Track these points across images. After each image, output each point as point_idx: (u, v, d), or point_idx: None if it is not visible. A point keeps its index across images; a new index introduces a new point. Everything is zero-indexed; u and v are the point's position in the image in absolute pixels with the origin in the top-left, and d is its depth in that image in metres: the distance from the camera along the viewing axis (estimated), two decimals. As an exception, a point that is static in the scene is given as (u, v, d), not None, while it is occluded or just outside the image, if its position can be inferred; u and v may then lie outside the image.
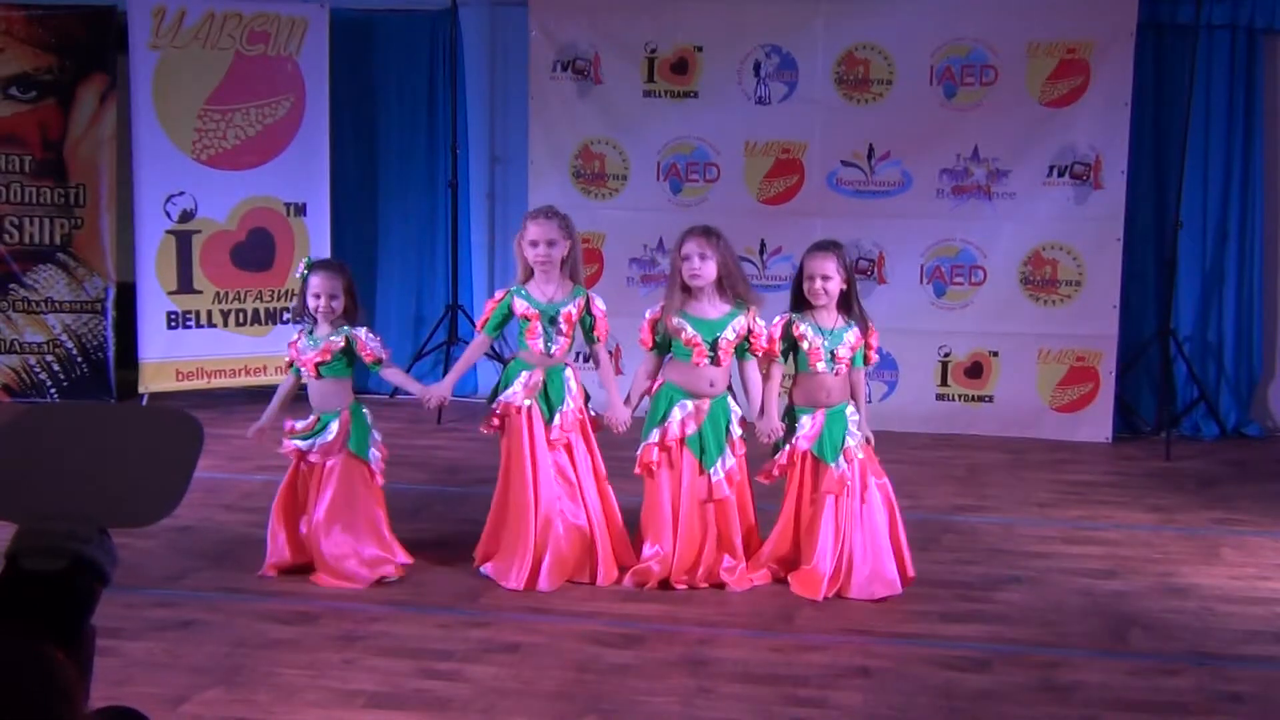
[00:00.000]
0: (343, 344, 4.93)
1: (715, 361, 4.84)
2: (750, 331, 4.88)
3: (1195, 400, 7.68)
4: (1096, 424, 7.58)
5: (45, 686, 1.30)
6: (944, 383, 7.75)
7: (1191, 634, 4.52)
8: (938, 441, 7.47)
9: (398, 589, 4.88)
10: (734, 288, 4.86)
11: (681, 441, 4.82)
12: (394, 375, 5.16)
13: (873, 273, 7.72)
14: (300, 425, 4.96)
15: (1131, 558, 5.38)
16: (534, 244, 4.89)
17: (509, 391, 4.91)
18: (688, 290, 4.84)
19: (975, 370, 7.72)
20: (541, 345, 4.92)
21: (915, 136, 7.61)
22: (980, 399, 7.73)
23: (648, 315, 4.94)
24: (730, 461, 4.84)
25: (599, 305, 4.99)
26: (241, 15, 7.84)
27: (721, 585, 4.89)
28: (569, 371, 4.97)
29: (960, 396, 7.74)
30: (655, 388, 4.95)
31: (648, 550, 4.91)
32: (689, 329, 4.82)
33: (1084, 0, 7.43)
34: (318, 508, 4.89)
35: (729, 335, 4.83)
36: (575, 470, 4.93)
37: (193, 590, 4.85)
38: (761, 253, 7.81)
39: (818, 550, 4.80)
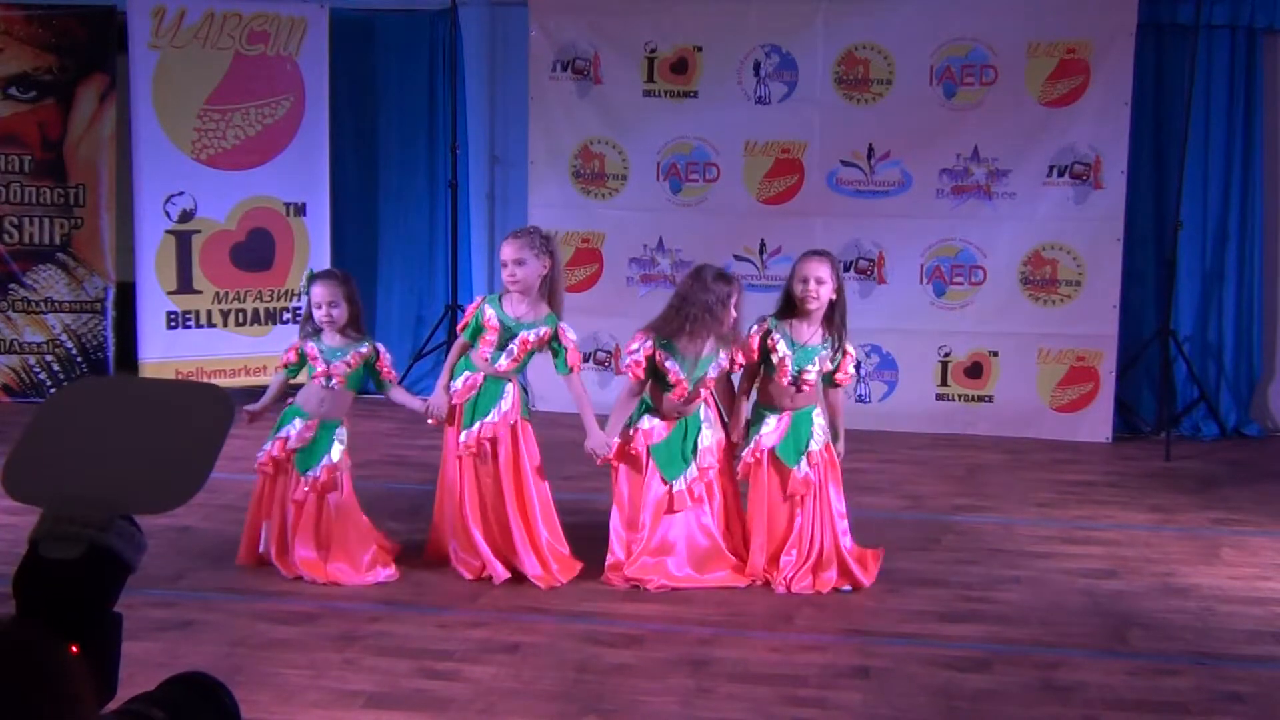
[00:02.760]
0: (367, 354, 4.98)
1: (691, 401, 4.89)
2: (732, 363, 4.93)
3: (1195, 400, 7.68)
4: (1096, 424, 7.58)
5: (46, 688, 1.29)
6: (944, 383, 7.74)
7: (1191, 634, 4.52)
8: (938, 441, 7.47)
9: (398, 589, 4.88)
10: (731, 333, 4.91)
11: (648, 450, 4.85)
12: (400, 395, 5.17)
13: (873, 273, 7.71)
14: (294, 438, 4.93)
15: (1131, 558, 5.38)
16: (504, 264, 4.91)
17: (453, 385, 4.97)
18: (693, 329, 4.80)
19: (975, 370, 7.72)
20: (488, 357, 4.92)
21: (915, 136, 7.60)
22: (980, 399, 7.72)
23: (642, 351, 4.84)
24: (694, 474, 4.85)
25: (570, 336, 4.93)
26: (241, 15, 7.84)
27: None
28: (510, 386, 4.93)
29: (960, 396, 7.74)
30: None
31: (611, 557, 4.93)
32: (677, 370, 4.83)
33: (1084, 0, 7.43)
34: (328, 513, 4.92)
35: (711, 374, 4.88)
36: (499, 478, 4.91)
37: (193, 590, 4.85)
38: (761, 253, 7.81)
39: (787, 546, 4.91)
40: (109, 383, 2.34)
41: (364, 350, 4.99)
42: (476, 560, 4.95)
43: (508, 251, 4.89)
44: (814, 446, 4.86)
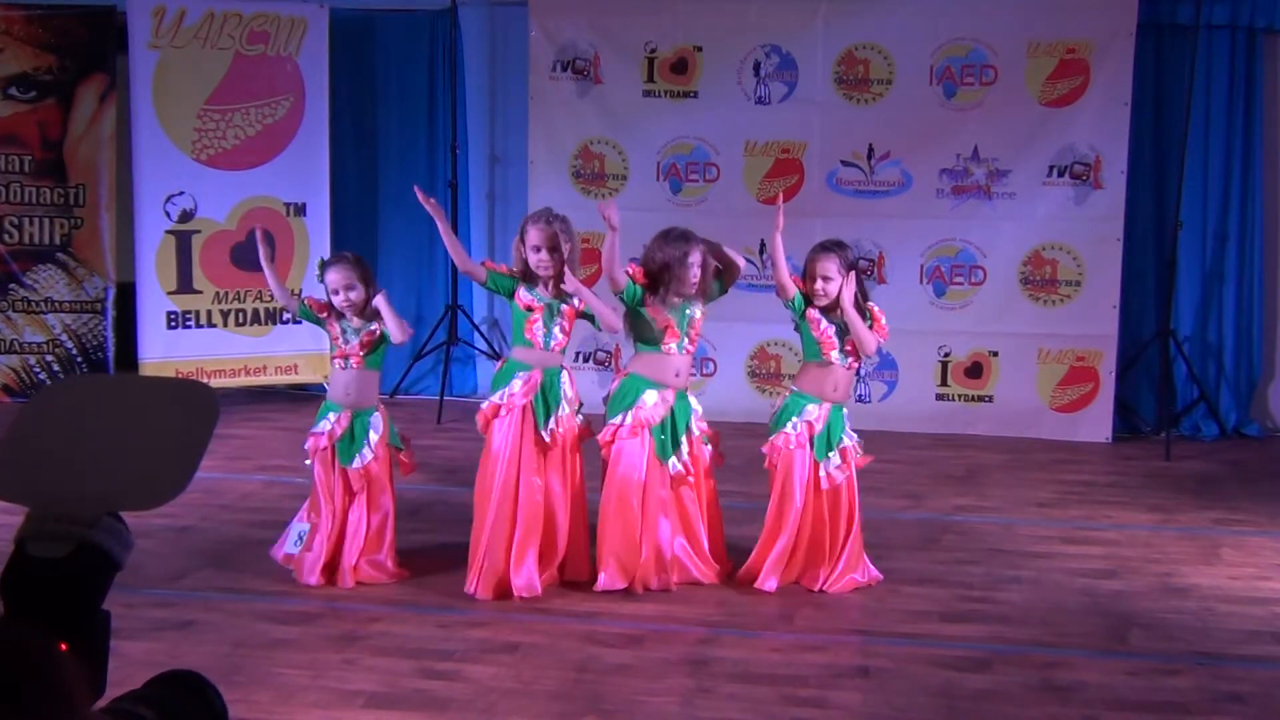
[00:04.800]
0: (378, 330, 4.93)
1: (684, 347, 4.86)
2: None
3: (1195, 400, 7.68)
4: (1096, 424, 7.58)
5: (42, 687, 1.29)
6: (944, 383, 7.74)
7: (1191, 634, 4.52)
8: (938, 441, 7.47)
9: (398, 589, 4.88)
10: (702, 290, 4.91)
11: (648, 428, 4.81)
12: (383, 304, 4.95)
13: (873, 273, 7.71)
14: (328, 432, 4.90)
15: (1131, 558, 5.38)
16: (536, 249, 4.85)
17: (506, 389, 4.84)
18: (656, 283, 4.84)
19: (975, 370, 7.72)
20: (541, 339, 4.88)
21: (915, 136, 7.61)
22: (980, 399, 7.73)
23: (630, 266, 4.88)
24: (686, 454, 4.84)
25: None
26: (241, 15, 7.84)
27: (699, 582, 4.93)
28: (565, 375, 4.94)
29: (960, 396, 7.74)
30: (620, 379, 4.95)
31: (608, 567, 4.84)
32: (661, 309, 4.83)
33: (1084, 0, 7.44)
34: (355, 503, 4.90)
35: (698, 314, 4.88)
36: (559, 476, 4.88)
37: (193, 590, 4.85)
38: (761, 253, 7.80)
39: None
40: (93, 381, 2.32)
41: (374, 328, 4.94)
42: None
43: (542, 237, 4.83)
44: (847, 442, 4.88)
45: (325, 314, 4.99)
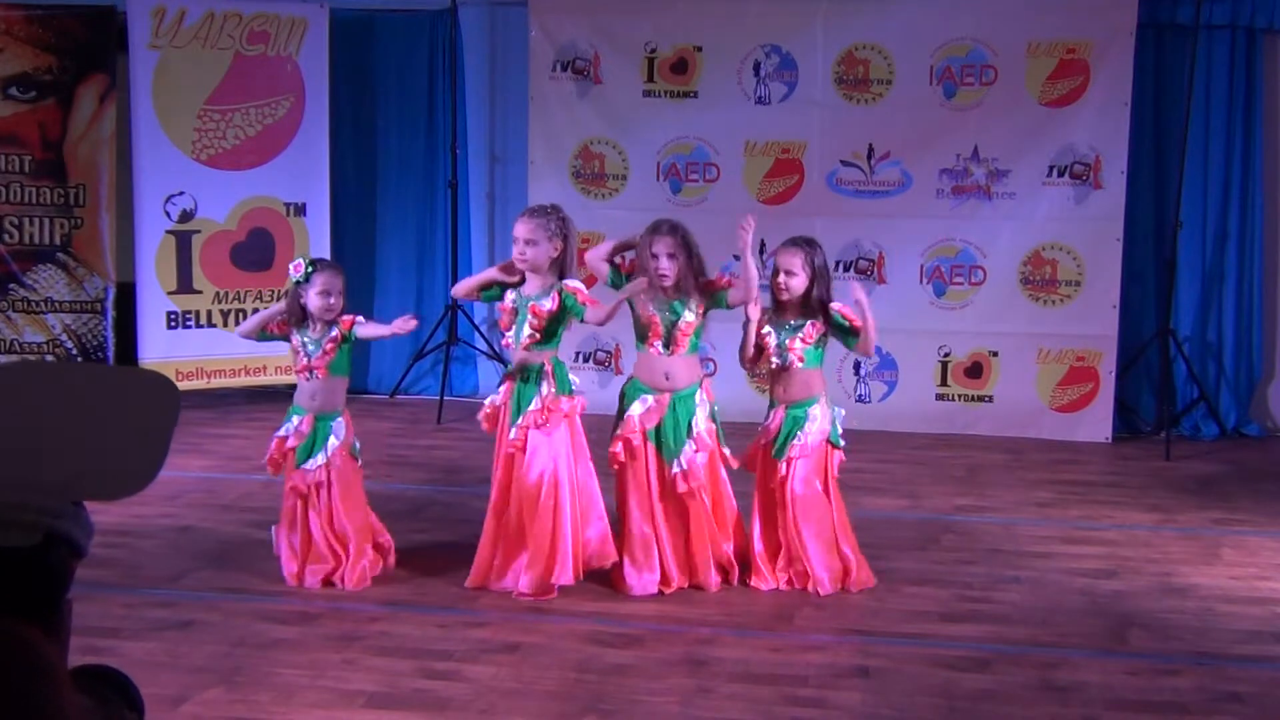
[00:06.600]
0: (339, 336, 4.91)
1: (669, 345, 4.80)
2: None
3: (1195, 400, 7.68)
4: (1096, 424, 7.58)
5: (28, 671, 1.29)
6: (944, 383, 7.74)
7: (1191, 634, 4.52)
8: (938, 441, 7.47)
9: (398, 589, 4.88)
10: (688, 289, 4.83)
11: (644, 436, 4.80)
12: (367, 329, 5.01)
13: (873, 273, 7.71)
14: (291, 437, 4.88)
15: (1131, 558, 5.38)
16: (515, 239, 4.85)
17: (495, 393, 4.93)
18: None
19: (975, 370, 7.72)
20: (511, 340, 4.88)
21: (915, 136, 7.61)
22: (980, 399, 7.72)
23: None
24: (690, 451, 4.77)
25: (572, 284, 4.80)
26: (241, 15, 7.84)
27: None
28: (546, 372, 4.80)
29: (960, 396, 7.74)
30: (625, 383, 4.97)
31: (630, 570, 4.83)
32: (647, 305, 4.80)
33: (1084, 0, 7.44)
34: (335, 509, 4.87)
35: (688, 317, 4.81)
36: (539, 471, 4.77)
37: (193, 590, 4.85)
38: (761, 253, 7.78)
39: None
40: (40, 367, 2.24)
41: (334, 334, 4.90)
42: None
43: (521, 230, 4.82)
44: (795, 442, 4.84)
45: (286, 330, 4.97)
